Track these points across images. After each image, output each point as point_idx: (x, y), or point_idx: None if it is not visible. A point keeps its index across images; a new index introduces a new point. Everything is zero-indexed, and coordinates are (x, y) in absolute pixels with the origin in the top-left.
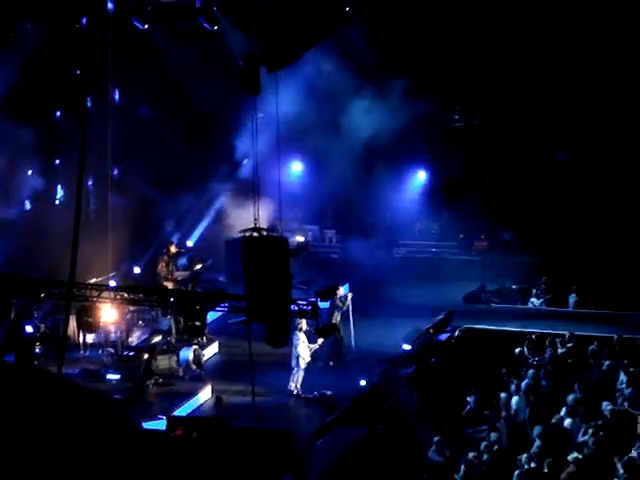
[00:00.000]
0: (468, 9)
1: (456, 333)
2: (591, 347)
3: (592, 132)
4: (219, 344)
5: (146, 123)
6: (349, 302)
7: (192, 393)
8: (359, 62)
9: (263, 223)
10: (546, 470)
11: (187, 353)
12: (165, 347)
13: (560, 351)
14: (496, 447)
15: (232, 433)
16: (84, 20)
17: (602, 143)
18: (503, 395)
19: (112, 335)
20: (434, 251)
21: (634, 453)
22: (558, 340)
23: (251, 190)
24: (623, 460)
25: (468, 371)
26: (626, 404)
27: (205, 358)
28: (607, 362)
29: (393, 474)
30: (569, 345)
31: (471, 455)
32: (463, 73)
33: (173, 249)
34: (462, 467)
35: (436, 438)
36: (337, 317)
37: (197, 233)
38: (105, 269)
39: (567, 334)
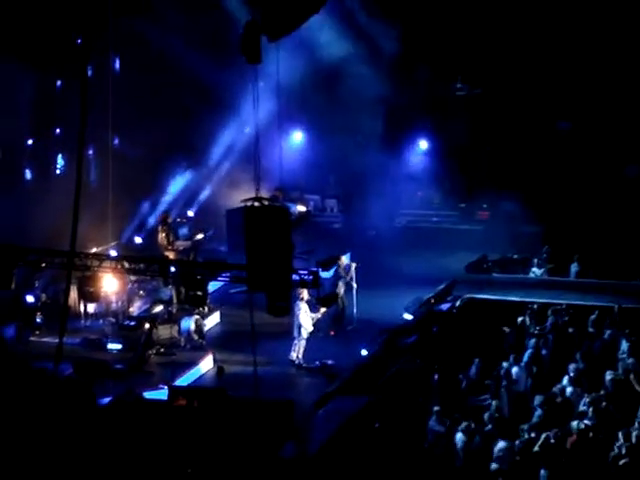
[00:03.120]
0: None
1: (457, 303)
2: (592, 317)
3: (593, 101)
4: (220, 314)
5: (146, 92)
6: (352, 272)
7: (193, 363)
8: (356, 29)
9: (264, 193)
10: (547, 440)
11: (188, 323)
12: (166, 317)
13: (561, 321)
14: (497, 416)
15: (234, 403)
16: None
17: (603, 112)
18: (504, 364)
19: (113, 305)
20: (435, 220)
21: (636, 424)
22: (559, 310)
23: (252, 160)
24: (624, 430)
25: (469, 341)
26: (631, 376)
27: (206, 328)
28: (608, 331)
29: (394, 443)
30: (570, 315)
31: (465, 424)
32: (465, 42)
33: (169, 219)
34: (462, 436)
35: (436, 408)
36: (341, 287)
37: (198, 203)
38: (106, 238)
39: (564, 305)
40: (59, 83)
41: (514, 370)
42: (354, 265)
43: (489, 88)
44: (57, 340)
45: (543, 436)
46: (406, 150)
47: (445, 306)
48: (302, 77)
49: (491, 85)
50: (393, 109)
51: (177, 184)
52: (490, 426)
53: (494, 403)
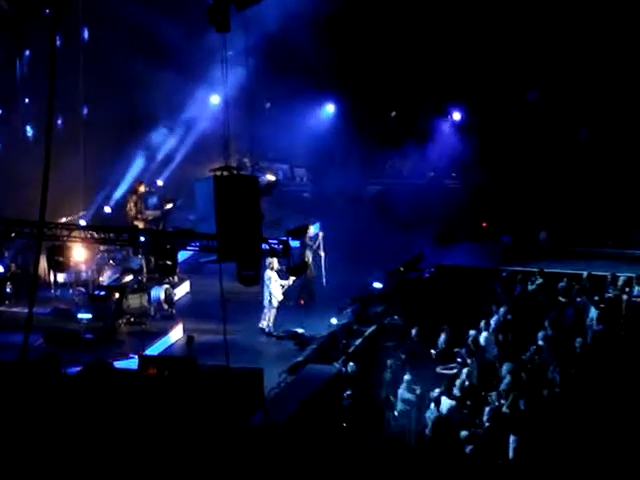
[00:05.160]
0: None
1: (427, 271)
2: (561, 284)
3: (561, 71)
4: (190, 283)
5: (115, 61)
6: (320, 241)
7: (163, 332)
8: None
9: (233, 161)
10: (516, 406)
11: (158, 292)
12: (136, 286)
13: (530, 288)
14: (467, 384)
15: (203, 372)
16: None
17: (571, 81)
18: (472, 332)
19: (83, 274)
20: (405, 189)
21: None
22: (528, 277)
23: (221, 129)
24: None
25: (439, 309)
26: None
27: (176, 297)
28: (577, 299)
29: (364, 411)
30: (539, 282)
31: (437, 392)
32: (433, 12)
33: (141, 188)
34: (432, 405)
35: (406, 376)
36: (308, 256)
37: (167, 172)
38: (76, 208)
39: (537, 271)
40: (27, 53)
41: (483, 337)
42: (321, 234)
43: (458, 57)
44: (27, 310)
45: (511, 396)
46: (375, 119)
47: (415, 274)
48: (267, 45)
49: (459, 54)
50: (359, 78)
51: (146, 154)
52: (459, 393)
53: (463, 371)
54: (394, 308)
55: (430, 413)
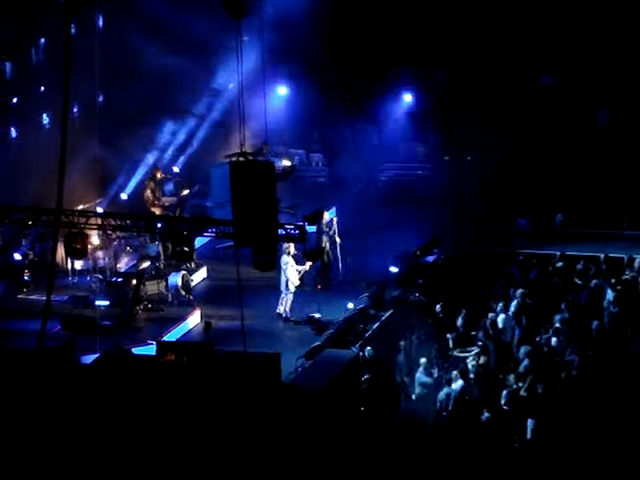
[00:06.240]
0: None
1: (443, 255)
2: (578, 266)
3: (577, 55)
4: (207, 269)
5: (130, 49)
6: (335, 226)
7: (181, 318)
8: None
9: (249, 148)
10: (535, 389)
11: (176, 278)
12: (153, 273)
13: (547, 271)
14: (484, 366)
15: (221, 357)
16: None
17: (588, 65)
18: (490, 315)
19: (100, 261)
20: (420, 173)
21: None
22: (547, 260)
23: (236, 115)
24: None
25: (456, 292)
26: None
27: (194, 283)
28: (594, 281)
29: (382, 395)
30: (557, 265)
31: (454, 373)
32: None
33: (159, 175)
34: (446, 387)
35: (423, 359)
36: (325, 241)
37: (183, 159)
38: (92, 196)
39: (558, 253)
40: (42, 41)
41: (500, 320)
42: (336, 219)
43: (473, 42)
44: (45, 297)
45: (529, 379)
46: (390, 104)
47: (431, 258)
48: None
49: (475, 39)
50: (377, 64)
51: (162, 140)
52: (475, 376)
53: (480, 353)
54: (411, 291)
55: (444, 394)
